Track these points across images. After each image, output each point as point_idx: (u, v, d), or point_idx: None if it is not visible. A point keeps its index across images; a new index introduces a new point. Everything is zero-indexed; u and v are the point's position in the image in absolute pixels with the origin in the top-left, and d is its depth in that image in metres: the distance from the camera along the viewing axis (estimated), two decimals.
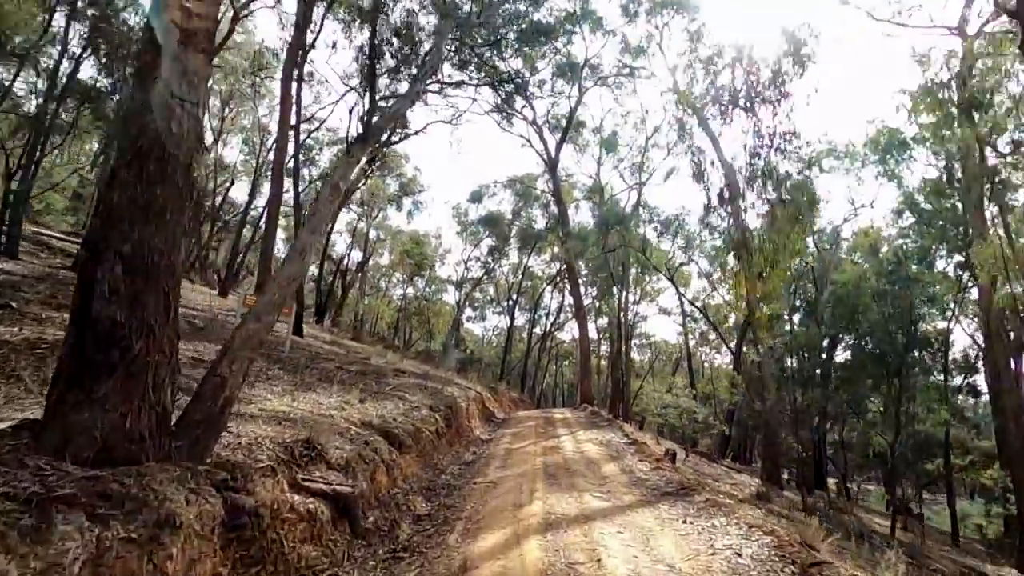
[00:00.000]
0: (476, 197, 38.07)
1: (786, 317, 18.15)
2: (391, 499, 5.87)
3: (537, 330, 45.85)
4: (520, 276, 41.48)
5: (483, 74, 22.50)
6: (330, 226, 28.84)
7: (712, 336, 46.27)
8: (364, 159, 4.72)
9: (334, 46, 21.38)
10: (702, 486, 7.74)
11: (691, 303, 25.02)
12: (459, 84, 21.75)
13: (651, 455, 10.87)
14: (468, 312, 51.39)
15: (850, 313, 18.48)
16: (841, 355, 23.82)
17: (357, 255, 42.83)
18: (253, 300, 12.30)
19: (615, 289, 24.31)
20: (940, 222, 24.00)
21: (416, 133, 22.45)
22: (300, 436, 4.98)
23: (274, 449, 4.48)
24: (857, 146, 25.35)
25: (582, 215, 36.52)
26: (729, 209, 19.76)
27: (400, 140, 23.17)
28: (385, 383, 11.29)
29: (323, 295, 26.80)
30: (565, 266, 29.55)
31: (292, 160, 17.20)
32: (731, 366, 38.98)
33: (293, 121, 18.04)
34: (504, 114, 27.09)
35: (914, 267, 23.10)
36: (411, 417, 9.01)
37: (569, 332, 54.65)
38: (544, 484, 7.04)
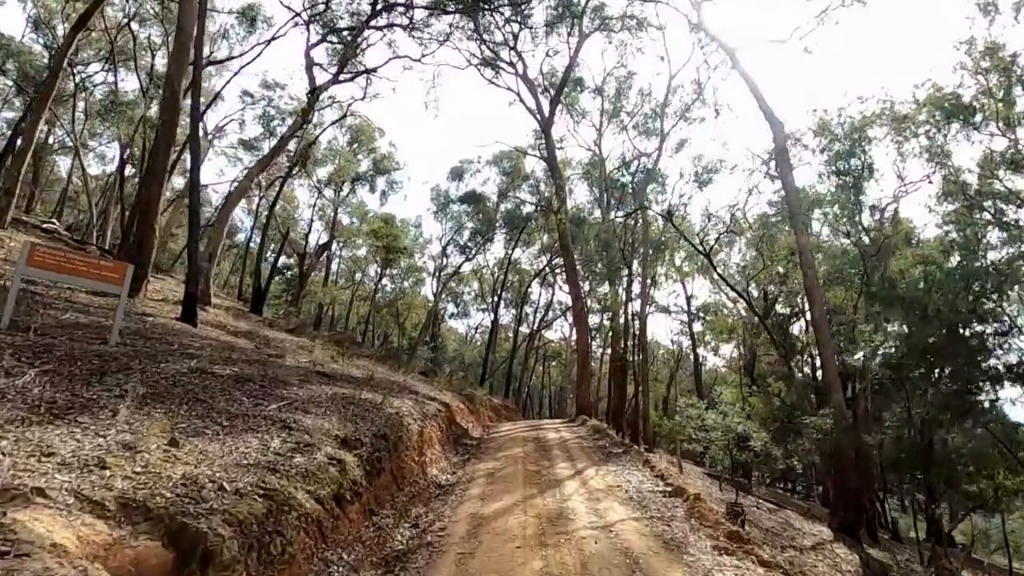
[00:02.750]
0: (457, 174, 33.40)
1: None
2: None
3: (524, 328, 41.37)
4: (505, 270, 36.83)
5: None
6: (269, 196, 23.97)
7: (708, 338, 42.31)
8: None
9: None
10: None
11: (729, 285, 20.66)
12: (434, 9, 17.17)
13: (715, 522, 6.54)
14: (451, 308, 46.91)
15: (923, 304, 14.42)
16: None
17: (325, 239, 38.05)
18: (50, 252, 7.62)
19: (623, 273, 19.84)
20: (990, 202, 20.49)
21: (374, 71, 17.70)
22: None
23: None
24: (905, 105, 21.32)
25: (578, 197, 32.08)
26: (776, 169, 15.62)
27: (355, 76, 18.30)
28: (274, 396, 6.72)
29: (261, 280, 21.69)
30: (559, 245, 24.99)
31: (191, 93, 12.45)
32: (736, 370, 35.00)
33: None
34: (491, 66, 22.61)
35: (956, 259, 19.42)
36: (282, 471, 4.48)
37: (558, 330, 50.26)
38: None
